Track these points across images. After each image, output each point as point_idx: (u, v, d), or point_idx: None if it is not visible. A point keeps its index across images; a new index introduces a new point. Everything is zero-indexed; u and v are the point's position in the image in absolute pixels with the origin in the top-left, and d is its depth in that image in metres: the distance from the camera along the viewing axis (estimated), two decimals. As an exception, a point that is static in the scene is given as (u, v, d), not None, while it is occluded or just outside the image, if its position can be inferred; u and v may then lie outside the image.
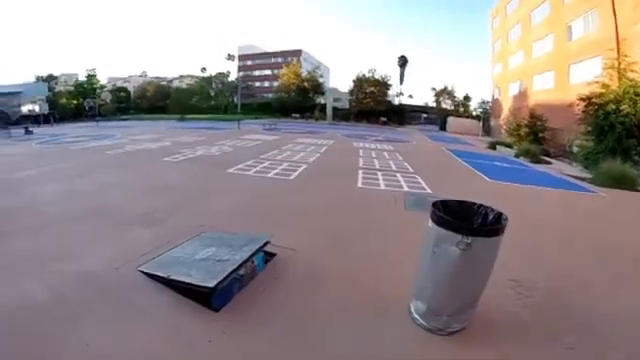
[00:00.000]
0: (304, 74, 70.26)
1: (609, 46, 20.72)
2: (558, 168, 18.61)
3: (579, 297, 4.20)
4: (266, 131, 30.35)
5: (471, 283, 3.20)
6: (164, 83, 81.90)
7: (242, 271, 3.96)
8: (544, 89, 31.76)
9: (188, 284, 3.55)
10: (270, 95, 76.38)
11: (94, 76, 68.18)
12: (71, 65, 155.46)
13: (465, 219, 3.37)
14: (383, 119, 59.39)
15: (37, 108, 46.76)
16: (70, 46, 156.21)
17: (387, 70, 70.64)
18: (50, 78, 70.57)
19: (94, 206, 7.01)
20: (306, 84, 67.52)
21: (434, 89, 70.37)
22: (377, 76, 61.47)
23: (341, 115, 61.71)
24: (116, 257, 4.58)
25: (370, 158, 16.37)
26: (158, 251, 4.66)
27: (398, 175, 12.32)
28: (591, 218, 8.43)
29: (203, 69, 76.55)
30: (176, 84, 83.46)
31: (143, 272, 4.10)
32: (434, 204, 3.29)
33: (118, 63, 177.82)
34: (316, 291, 4.00)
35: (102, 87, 69.75)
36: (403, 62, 65.84)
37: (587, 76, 21.95)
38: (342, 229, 6.22)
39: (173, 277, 3.73)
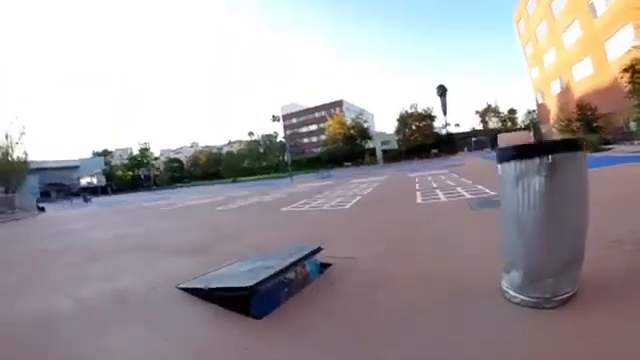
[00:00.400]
0: (348, 122, 71.07)
1: (636, 6, 19.72)
2: (620, 149, 17.67)
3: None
4: (319, 179, 30.41)
5: (568, 220, 2.54)
6: (215, 151, 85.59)
7: (291, 275, 3.54)
8: (585, 77, 30.74)
9: (227, 289, 3.29)
10: (319, 149, 77.35)
11: (147, 149, 72.58)
12: (125, 140, 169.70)
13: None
14: (434, 151, 58.44)
15: (95, 180, 50.09)
16: (123, 122, 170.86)
17: (429, 102, 70.56)
18: (105, 153, 76.39)
19: (142, 243, 7.42)
20: (352, 131, 68.27)
21: (478, 111, 70.94)
22: (420, 110, 61.46)
23: (391, 156, 61.42)
24: (156, 279, 4.62)
25: (426, 182, 15.36)
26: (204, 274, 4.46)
27: (458, 188, 11.58)
28: None
29: (250, 133, 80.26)
30: (226, 150, 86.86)
31: (181, 288, 3.93)
32: (500, 148, 2.79)
33: (169, 136, 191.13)
34: (379, 294, 3.36)
35: (155, 159, 74.81)
36: (442, 91, 65.52)
37: (624, 47, 21.30)
38: (403, 237, 5.60)
39: (212, 286, 3.48)
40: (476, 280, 3.28)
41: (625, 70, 18.87)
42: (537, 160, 2.47)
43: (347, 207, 10.51)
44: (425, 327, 2.58)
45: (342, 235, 6.33)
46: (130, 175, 64.13)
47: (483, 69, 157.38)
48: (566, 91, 35.74)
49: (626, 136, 22.60)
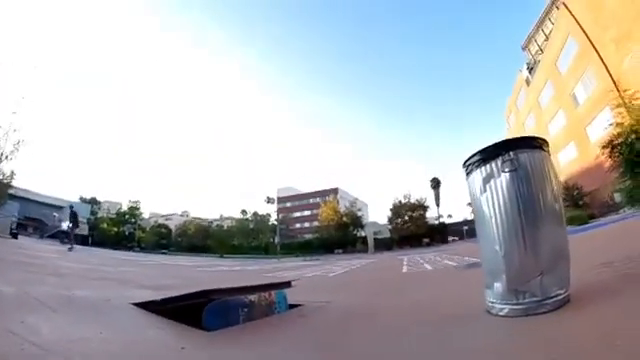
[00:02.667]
0: (342, 209, 70.93)
1: (611, 91, 21.85)
2: (607, 219, 19.14)
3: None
4: (307, 261, 29.71)
5: (540, 215, 2.43)
6: (205, 224, 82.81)
7: (253, 297, 3.35)
8: (570, 160, 32.71)
9: (181, 297, 3.11)
10: (310, 235, 76.45)
11: (137, 208, 69.62)
12: (116, 194, 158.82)
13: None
14: (426, 240, 57.85)
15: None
16: (118, 176, 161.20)
17: (422, 192, 71.90)
18: (94, 202, 70.70)
19: (104, 275, 6.97)
20: (345, 219, 67.70)
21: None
22: (413, 200, 61.68)
23: (383, 244, 60.36)
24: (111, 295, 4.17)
25: (414, 260, 15.50)
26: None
27: (445, 261, 11.82)
28: None
29: (243, 212, 77.20)
30: (216, 224, 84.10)
31: (134, 304, 3.56)
32: (465, 161, 2.82)
33: (161, 200, 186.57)
34: (353, 321, 3.25)
35: (143, 219, 71.43)
36: (436, 184, 66.14)
37: (602, 129, 22.81)
38: (384, 289, 5.79)
39: (166, 297, 3.30)
40: (461, 306, 3.26)
41: (604, 147, 19.82)
42: (500, 159, 2.49)
43: (330, 275, 10.50)
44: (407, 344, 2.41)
45: (321, 289, 6.42)
46: (114, 231, 60.98)
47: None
48: None
49: (612, 208, 23.75)
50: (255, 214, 75.06)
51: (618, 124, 19.73)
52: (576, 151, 31.51)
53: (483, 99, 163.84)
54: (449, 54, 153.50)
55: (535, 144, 2.58)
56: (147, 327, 2.85)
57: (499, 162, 2.48)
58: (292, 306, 3.92)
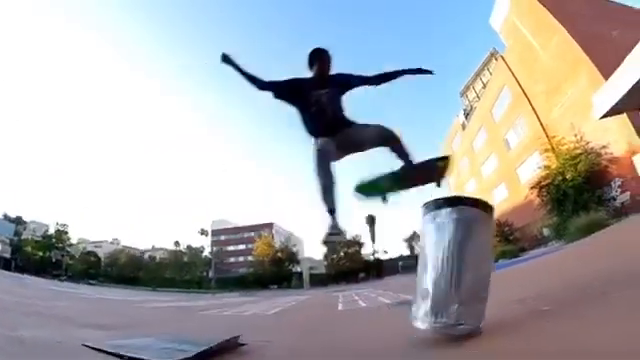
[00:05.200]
0: (277, 245, 70.28)
1: (540, 137, 24.80)
2: (536, 252, 20.02)
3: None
4: (242, 297, 28.75)
5: (471, 256, 2.75)
6: (137, 254, 77.04)
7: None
8: (502, 200, 34.69)
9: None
10: (245, 270, 73.76)
11: (66, 232, 63.15)
12: (43, 213, 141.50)
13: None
14: (361, 275, 58.54)
15: (-3, 248, 41.79)
16: (46, 194, 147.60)
17: (358, 229, 72.23)
18: (19, 221, 63.15)
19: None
20: (280, 254, 67.04)
21: (405, 239, 74.54)
22: (349, 237, 60.75)
23: (319, 280, 60.59)
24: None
25: (350, 297, 15.16)
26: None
27: (379, 298, 11.73)
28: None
29: (176, 243, 73.06)
30: (148, 255, 79.18)
31: (88, 346, 3.20)
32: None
33: (90, 226, 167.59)
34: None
35: (71, 245, 64.97)
36: (371, 221, 65.46)
37: (532, 171, 26.07)
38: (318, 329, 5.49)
39: (122, 353, 2.89)
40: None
41: (533, 187, 22.83)
42: (450, 209, 2.78)
43: (268, 313, 10.02)
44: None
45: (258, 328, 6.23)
46: (40, 255, 55.33)
47: (411, 199, 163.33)
48: None
49: (541, 241, 25.47)
50: (189, 247, 72.18)
51: (546, 167, 22.36)
52: (507, 191, 33.86)
53: (416, 140, 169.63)
54: (386, 98, 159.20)
55: (484, 207, 2.92)
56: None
57: (450, 211, 2.75)
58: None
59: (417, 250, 58.64)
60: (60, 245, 61.23)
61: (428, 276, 2.77)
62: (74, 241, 69.60)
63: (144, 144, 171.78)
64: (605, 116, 14.77)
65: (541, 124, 25.95)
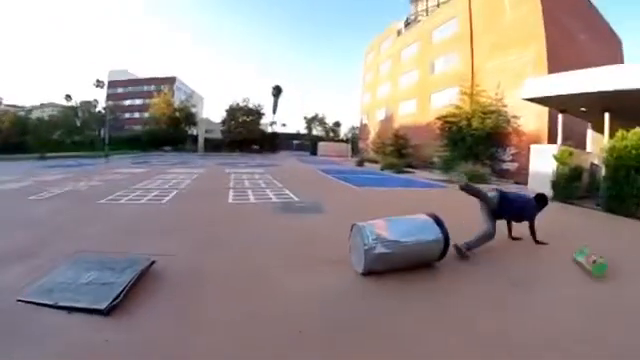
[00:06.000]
0: (177, 104, 66.92)
1: (465, 79, 25.98)
2: (420, 175, 22.72)
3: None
4: (136, 165, 27.63)
5: None
6: (22, 113, 66.18)
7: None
8: (408, 113, 36.83)
9: (79, 309, 3.42)
10: (140, 127, 70.49)
11: None
12: None
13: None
14: (255, 147, 58.90)
15: None
16: None
17: (263, 100, 71.01)
18: None
19: None
20: (178, 114, 64.17)
21: (306, 117, 76.94)
22: (250, 105, 60.81)
23: (213, 145, 59.28)
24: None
25: (241, 181, 16.25)
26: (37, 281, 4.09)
27: (267, 191, 12.93)
28: (440, 198, 12.96)
29: (68, 97, 65.25)
30: (36, 114, 67.80)
31: (24, 301, 3.61)
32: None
33: None
34: (199, 281, 4.39)
35: None
36: (277, 92, 66.63)
37: (444, 102, 27.57)
38: (217, 236, 6.53)
39: (62, 304, 3.50)
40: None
41: (439, 118, 24.83)
42: None
43: (163, 202, 10.50)
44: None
45: (157, 232, 6.91)
46: None
47: (322, 81, 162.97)
48: (389, 119, 41.25)
49: (428, 165, 27.91)
50: (83, 103, 65.25)
51: (458, 107, 24.02)
52: (416, 108, 35.30)
53: (348, 31, 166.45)
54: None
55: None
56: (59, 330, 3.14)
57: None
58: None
59: (315, 132, 65.24)
60: None
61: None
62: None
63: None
64: (529, 100, 15.43)
65: (472, 69, 26.72)
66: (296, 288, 4.22)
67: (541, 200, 6.48)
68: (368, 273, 4.50)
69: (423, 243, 4.65)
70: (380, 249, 4.39)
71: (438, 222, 4.90)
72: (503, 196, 5.94)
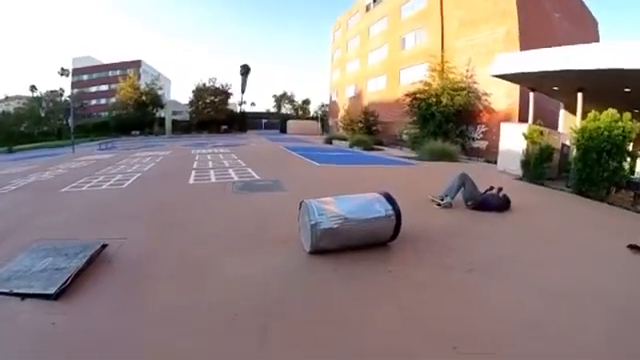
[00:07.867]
0: (143, 87, 64.63)
1: (435, 55, 25.52)
2: (389, 152, 22.92)
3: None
4: (102, 151, 27.40)
5: None
6: None
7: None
8: (377, 90, 36.45)
9: (32, 295, 3.58)
10: (107, 113, 68.09)
11: None
12: None
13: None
14: (224, 127, 57.95)
15: None
16: None
17: (230, 79, 70.03)
18: None
19: None
20: (145, 98, 62.07)
21: (275, 95, 77.73)
22: (217, 85, 59.75)
23: (182, 127, 58.18)
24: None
25: (205, 161, 16.32)
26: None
27: (230, 170, 13.01)
28: (406, 175, 12.84)
29: (33, 87, 65.11)
30: (1, 108, 66.77)
31: None
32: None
33: None
34: (147, 266, 4.45)
35: None
36: (245, 71, 65.34)
37: (414, 78, 27.01)
38: (173, 219, 6.59)
39: (16, 291, 3.68)
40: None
41: (407, 95, 24.34)
42: None
43: (124, 186, 10.51)
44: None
45: (116, 216, 6.99)
46: None
47: (290, 59, 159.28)
48: (358, 97, 40.96)
49: (398, 142, 28.08)
50: (48, 93, 64.08)
51: (427, 84, 23.69)
52: (385, 84, 34.82)
53: (316, 7, 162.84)
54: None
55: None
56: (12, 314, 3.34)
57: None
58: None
59: (284, 110, 65.89)
60: None
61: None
62: None
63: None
64: (499, 77, 15.31)
65: (442, 45, 26.26)
66: (241, 271, 4.21)
67: (505, 202, 7.37)
68: (317, 252, 4.45)
69: (372, 220, 4.57)
70: (327, 224, 4.32)
71: (389, 199, 4.82)
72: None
